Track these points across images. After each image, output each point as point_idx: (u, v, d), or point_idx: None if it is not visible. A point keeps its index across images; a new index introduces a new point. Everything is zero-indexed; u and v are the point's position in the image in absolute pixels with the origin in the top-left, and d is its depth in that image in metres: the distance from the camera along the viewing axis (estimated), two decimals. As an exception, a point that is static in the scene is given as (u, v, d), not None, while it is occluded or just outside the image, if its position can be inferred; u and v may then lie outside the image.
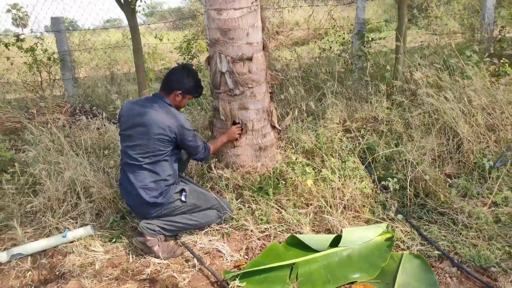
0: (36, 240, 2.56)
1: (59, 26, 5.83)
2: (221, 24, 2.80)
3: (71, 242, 2.55)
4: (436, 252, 2.21)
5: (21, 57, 5.83)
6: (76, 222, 2.73)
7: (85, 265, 2.35)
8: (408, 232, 2.40)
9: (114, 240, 2.55)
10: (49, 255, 2.47)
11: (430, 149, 2.92)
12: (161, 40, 6.35)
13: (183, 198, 2.45)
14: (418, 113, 3.40)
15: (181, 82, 2.52)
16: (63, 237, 2.53)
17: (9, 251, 2.45)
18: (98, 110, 4.80)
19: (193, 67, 2.64)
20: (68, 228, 2.64)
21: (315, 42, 10.41)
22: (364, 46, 5.58)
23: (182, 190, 2.47)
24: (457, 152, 3.02)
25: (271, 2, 13.91)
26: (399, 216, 2.50)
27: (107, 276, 2.25)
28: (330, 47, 5.67)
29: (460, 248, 2.21)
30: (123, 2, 4.51)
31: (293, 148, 3.20)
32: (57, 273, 2.32)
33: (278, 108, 4.10)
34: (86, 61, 7.37)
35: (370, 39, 5.72)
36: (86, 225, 2.68)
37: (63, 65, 5.94)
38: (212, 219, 2.57)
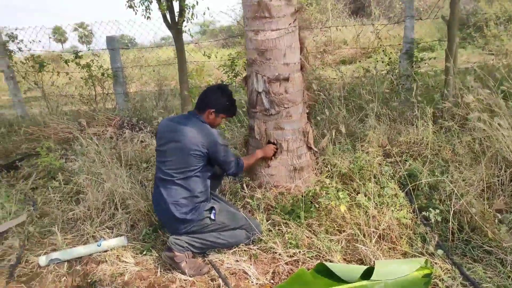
0: (74, 247, 2.68)
1: (113, 44, 6.23)
2: (258, 45, 2.83)
3: (105, 251, 2.63)
4: (480, 294, 2.01)
5: (79, 72, 6.28)
6: (112, 232, 2.82)
7: (115, 275, 2.41)
8: (449, 270, 2.20)
9: (144, 252, 2.60)
10: (83, 262, 2.56)
11: (478, 179, 2.70)
12: (209, 57, 6.55)
13: (212, 216, 2.45)
14: (467, 140, 3.17)
15: (214, 101, 2.57)
16: (98, 245, 2.62)
17: (48, 256, 2.58)
18: (144, 124, 5.01)
19: (231, 86, 2.68)
20: (103, 237, 2.73)
21: (359, 61, 10.24)
22: (413, 66, 5.37)
23: (212, 208, 2.48)
24: (510, 184, 2.76)
25: (319, 21, 13.95)
26: (440, 252, 2.31)
27: (135, 289, 2.29)
28: (375, 67, 5.51)
29: (508, 293, 1.99)
30: (170, 23, 4.72)
31: (329, 171, 3.10)
32: (89, 280, 2.40)
33: (318, 128, 4.03)
34: (137, 77, 7.77)
35: (419, 59, 5.50)
36: (121, 235, 2.76)
37: (115, 81, 6.31)
38: (241, 239, 2.54)
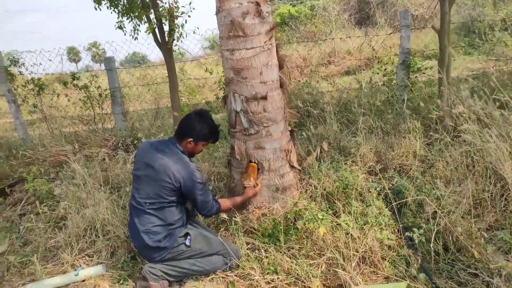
0: (52, 277, 2.63)
1: (110, 65, 6.30)
2: (234, 64, 2.79)
3: (83, 280, 2.58)
4: (463, 323, 1.88)
5: (78, 93, 6.37)
6: (92, 260, 2.78)
7: (90, 307, 2.35)
8: (431, 296, 2.08)
9: (121, 281, 2.54)
10: (59, 293, 2.52)
11: (468, 196, 2.57)
12: (211, 73, 6.53)
13: (187, 243, 2.39)
14: (458, 153, 3.05)
15: (193, 129, 2.48)
16: (76, 275, 2.58)
17: None
18: (138, 144, 5.01)
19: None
20: (81, 266, 2.69)
21: (363, 71, 10.12)
22: (409, 77, 5.25)
23: (187, 234, 2.41)
24: (502, 199, 2.63)
25: (324, 32, 13.95)
26: (422, 275, 2.19)
27: (107, 321, 2.22)
28: (371, 79, 5.42)
29: (493, 321, 1.86)
30: (160, 42, 4.75)
31: (314, 190, 3.01)
32: (63, 313, 2.35)
33: (311, 144, 3.94)
34: (136, 96, 7.83)
35: (415, 69, 5.39)
36: (101, 263, 2.71)
37: (113, 101, 6.36)
38: (218, 265, 2.46)
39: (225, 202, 2.65)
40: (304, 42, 12.05)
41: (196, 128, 2.49)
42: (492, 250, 2.20)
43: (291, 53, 10.77)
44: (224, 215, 2.64)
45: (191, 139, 2.48)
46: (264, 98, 2.83)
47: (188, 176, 2.35)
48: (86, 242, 2.89)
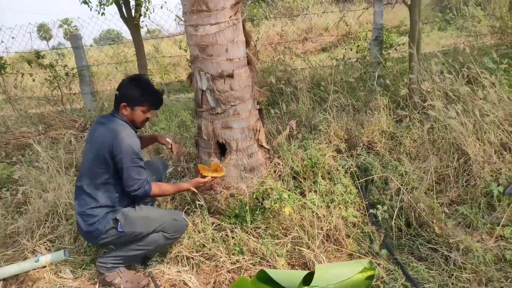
0: (11, 263, 2.55)
1: (77, 43, 6.01)
2: (199, 41, 2.68)
3: (44, 267, 2.51)
4: (420, 297, 1.92)
5: (44, 73, 6.08)
6: (53, 245, 2.70)
7: (51, 293, 2.29)
8: (392, 271, 2.12)
9: (84, 266, 2.48)
10: (19, 281, 2.44)
11: (431, 171, 2.60)
12: (185, 51, 6.31)
13: (119, 228, 2.20)
14: (424, 129, 3.06)
15: (125, 93, 2.30)
16: (36, 261, 2.50)
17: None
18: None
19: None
20: (42, 253, 2.61)
21: (336, 49, 10.04)
22: (382, 53, 5.23)
23: (117, 220, 2.20)
24: (464, 174, 2.67)
25: (300, 7, 13.71)
26: (384, 251, 2.22)
27: (68, 307, 2.18)
28: (344, 56, 5.37)
29: (449, 294, 1.90)
30: (126, 17, 4.54)
31: (282, 170, 2.99)
32: (23, 301, 2.29)
33: (283, 123, 3.90)
34: (104, 76, 7.57)
35: (389, 44, 5.37)
36: (63, 249, 2.64)
37: (81, 80, 6.11)
38: (160, 242, 2.30)
39: (158, 187, 2.32)
40: (281, 18, 11.84)
41: (128, 91, 2.30)
42: (452, 225, 2.25)
43: (267, 29, 10.57)
44: (188, 196, 2.59)
45: (125, 103, 2.29)
46: (231, 76, 2.74)
47: (119, 142, 2.14)
48: (48, 228, 2.80)
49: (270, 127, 3.62)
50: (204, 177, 2.50)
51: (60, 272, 2.45)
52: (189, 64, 2.94)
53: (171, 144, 2.72)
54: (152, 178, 2.48)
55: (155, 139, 2.81)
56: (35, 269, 2.50)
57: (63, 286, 2.33)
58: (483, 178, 2.54)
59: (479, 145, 2.72)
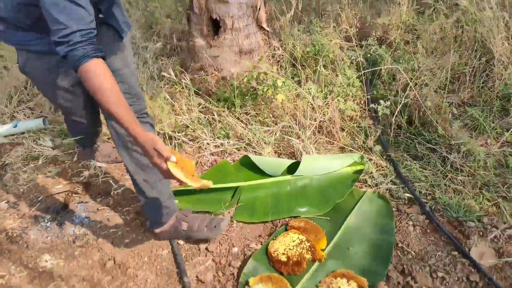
0: (-12, 127, 2.45)
1: None
2: None
3: (22, 133, 2.42)
4: (408, 194, 1.82)
5: None
6: (33, 113, 2.57)
7: (29, 159, 2.23)
8: (383, 167, 1.99)
9: (63, 136, 2.38)
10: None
11: (447, 68, 2.30)
12: None
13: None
14: (449, 21, 2.67)
15: None
16: (14, 127, 2.40)
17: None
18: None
19: None
20: (20, 119, 2.49)
21: None
22: None
23: None
24: (483, 75, 2.38)
25: None
26: (377, 147, 2.06)
27: (45, 173, 2.12)
28: None
29: (439, 194, 1.79)
30: None
31: (282, 55, 2.70)
32: (0, 164, 2.23)
33: (286, 1, 3.44)
34: None
35: None
36: (42, 117, 2.51)
37: None
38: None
39: (103, 74, 1.19)
40: None
41: None
42: (458, 126, 2.05)
43: None
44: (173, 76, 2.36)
45: None
46: None
47: None
48: (28, 95, 2.65)
49: (274, 6, 3.20)
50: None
51: (39, 139, 2.36)
52: None
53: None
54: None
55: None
56: (14, 135, 2.41)
57: (42, 153, 2.26)
58: (503, 80, 2.26)
59: (508, 43, 2.37)
